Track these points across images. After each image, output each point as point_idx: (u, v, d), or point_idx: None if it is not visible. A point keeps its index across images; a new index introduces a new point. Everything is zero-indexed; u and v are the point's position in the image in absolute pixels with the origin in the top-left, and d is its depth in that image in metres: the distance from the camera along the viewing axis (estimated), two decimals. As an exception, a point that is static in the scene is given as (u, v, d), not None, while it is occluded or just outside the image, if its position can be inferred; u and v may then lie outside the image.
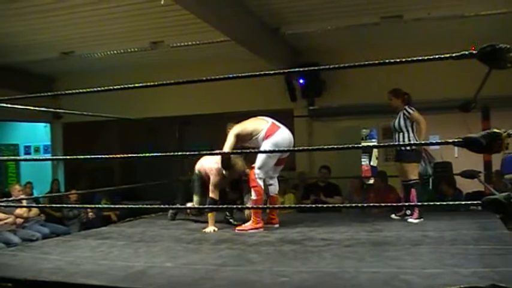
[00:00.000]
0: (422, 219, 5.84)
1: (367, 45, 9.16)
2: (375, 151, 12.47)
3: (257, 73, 5.39)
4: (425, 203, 5.51)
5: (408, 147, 6.05)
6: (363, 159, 12.31)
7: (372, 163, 13.09)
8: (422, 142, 6.16)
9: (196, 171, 6.20)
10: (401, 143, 6.15)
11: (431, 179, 9.42)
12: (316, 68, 4.68)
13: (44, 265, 3.97)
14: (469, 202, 4.07)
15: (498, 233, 4.87)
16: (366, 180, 11.51)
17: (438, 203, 5.72)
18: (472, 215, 6.01)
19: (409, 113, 6.08)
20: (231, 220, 6.11)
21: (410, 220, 5.89)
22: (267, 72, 4.97)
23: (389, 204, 6.60)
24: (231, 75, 5.47)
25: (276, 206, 5.75)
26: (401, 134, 6.13)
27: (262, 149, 5.58)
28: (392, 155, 10.97)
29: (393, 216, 6.21)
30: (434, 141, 6.02)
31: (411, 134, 6.09)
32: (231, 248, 4.60)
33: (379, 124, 10.98)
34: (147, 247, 4.70)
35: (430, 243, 4.47)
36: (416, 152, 6.07)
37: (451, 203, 5.72)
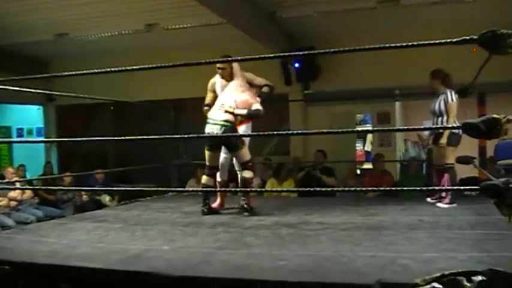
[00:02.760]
0: (454, 205, 5.72)
1: (363, 29, 9.12)
2: (370, 136, 12.49)
3: (253, 57, 5.43)
4: (424, 188, 5.50)
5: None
6: (357, 144, 12.34)
7: (366, 148, 13.12)
8: (421, 127, 6.14)
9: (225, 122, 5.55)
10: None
11: (425, 164, 9.49)
12: (311, 52, 4.75)
13: (40, 248, 3.98)
14: (468, 187, 4.09)
15: (493, 218, 4.90)
16: (360, 165, 11.58)
17: (437, 188, 5.75)
18: (466, 201, 6.03)
19: (447, 101, 5.80)
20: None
21: (439, 205, 5.80)
22: (262, 56, 4.96)
23: (384, 188, 6.56)
24: (226, 59, 5.51)
25: (278, 189, 5.70)
26: (440, 117, 5.86)
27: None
28: (387, 140, 11.11)
29: (428, 199, 6.07)
30: (434, 126, 5.96)
31: (449, 119, 5.78)
32: (227, 231, 4.62)
33: (374, 109, 11.03)
34: (143, 230, 4.70)
35: (426, 228, 4.50)
36: (456, 135, 5.74)
37: (449, 187, 5.69)
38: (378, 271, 2.99)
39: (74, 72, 4.67)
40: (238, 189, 6.12)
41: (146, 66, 4.27)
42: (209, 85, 6.07)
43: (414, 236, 4.09)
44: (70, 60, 10.53)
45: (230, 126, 5.46)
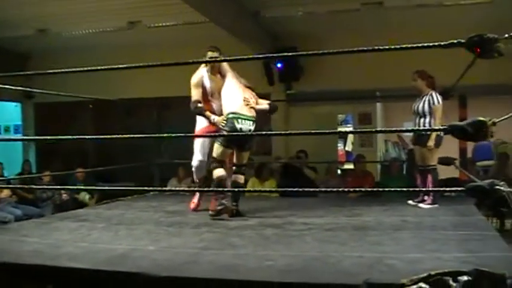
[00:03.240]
0: (436, 206, 5.80)
1: (346, 31, 9.19)
2: (351, 136, 12.58)
3: (236, 57, 5.45)
4: (405, 189, 5.56)
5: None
6: (338, 144, 12.42)
7: (347, 148, 13.22)
8: (404, 129, 6.19)
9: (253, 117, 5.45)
10: (421, 127, 5.97)
11: (405, 165, 9.59)
12: (297, 53, 4.77)
13: (23, 248, 3.93)
14: (453, 189, 4.15)
15: (474, 219, 4.99)
16: (341, 165, 11.66)
17: (423, 189, 5.81)
18: (448, 201, 6.10)
19: (433, 103, 5.86)
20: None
21: (421, 205, 5.86)
22: (245, 56, 5.02)
23: (367, 189, 6.61)
24: (208, 59, 5.49)
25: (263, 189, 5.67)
26: (422, 118, 5.91)
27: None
28: (368, 141, 11.18)
29: (410, 202, 6.08)
30: (421, 128, 6.02)
31: (432, 120, 5.85)
32: (212, 231, 4.61)
33: (355, 110, 11.10)
34: (128, 230, 4.69)
35: (410, 228, 4.55)
36: (439, 137, 5.82)
37: (433, 189, 5.76)
38: (365, 271, 3.02)
39: (54, 70, 4.65)
40: (231, 190, 5.72)
41: (130, 65, 4.28)
42: (196, 80, 5.65)
43: (399, 237, 4.13)
44: (51, 56, 10.46)
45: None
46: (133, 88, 10.27)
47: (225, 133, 5.24)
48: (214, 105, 5.65)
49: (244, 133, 5.25)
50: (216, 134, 5.40)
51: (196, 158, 5.84)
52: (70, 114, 11.75)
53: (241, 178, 5.55)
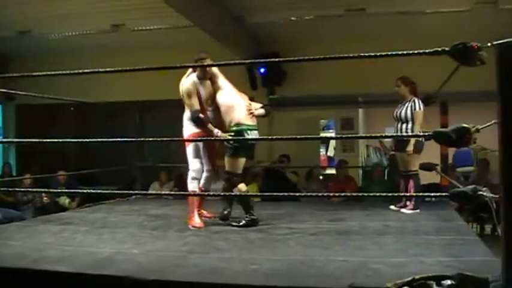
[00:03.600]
0: (418, 211, 5.86)
1: (330, 36, 9.24)
2: (333, 142, 12.65)
3: (219, 63, 5.38)
4: (390, 194, 5.61)
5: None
6: (320, 149, 12.47)
7: (329, 153, 13.27)
8: (389, 135, 6.24)
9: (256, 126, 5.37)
10: (404, 133, 6.04)
11: (387, 170, 9.68)
12: (280, 60, 4.81)
13: (6, 251, 3.90)
14: (437, 194, 4.20)
15: (456, 224, 5.07)
16: (323, 170, 11.70)
17: (407, 194, 5.87)
18: (429, 207, 6.20)
19: (414, 109, 5.97)
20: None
21: (403, 210, 5.93)
22: (228, 62, 5.02)
23: (351, 193, 6.65)
24: (192, 64, 5.46)
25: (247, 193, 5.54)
26: (404, 124, 6.01)
27: None
28: (350, 146, 11.26)
29: (392, 207, 6.15)
30: (406, 134, 6.09)
31: (413, 126, 5.94)
32: (196, 235, 4.63)
33: (338, 115, 11.18)
34: (111, 233, 4.68)
35: (393, 233, 4.61)
36: (420, 143, 5.92)
37: (420, 194, 5.84)
38: (350, 275, 3.05)
39: (36, 73, 4.57)
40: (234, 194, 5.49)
41: (112, 69, 4.20)
42: (191, 87, 5.29)
43: (382, 241, 4.18)
44: (33, 57, 10.36)
45: None
46: (116, 91, 10.20)
47: (229, 143, 5.16)
48: (209, 113, 5.42)
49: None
50: (204, 138, 5.35)
51: (193, 166, 5.39)
52: (52, 117, 11.65)
53: (243, 187, 5.35)
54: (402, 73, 6.37)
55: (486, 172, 9.32)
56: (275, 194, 5.22)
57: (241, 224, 5.06)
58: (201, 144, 5.41)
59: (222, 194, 5.53)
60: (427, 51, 3.08)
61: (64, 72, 4.44)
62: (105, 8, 8.09)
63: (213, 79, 5.39)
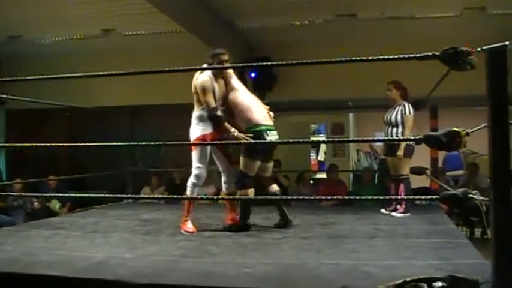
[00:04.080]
0: (408, 214, 5.88)
1: (321, 41, 9.30)
2: (323, 146, 12.71)
3: (209, 66, 5.32)
4: (381, 197, 5.65)
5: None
6: (311, 154, 12.53)
7: (319, 157, 13.33)
8: (381, 139, 6.26)
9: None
10: (394, 137, 6.08)
11: (377, 174, 9.73)
12: (268, 63, 4.85)
13: (-1, 255, 3.90)
14: (428, 197, 4.23)
15: (446, 227, 5.10)
16: (313, 174, 11.76)
17: (399, 197, 5.92)
18: (419, 210, 6.25)
19: (405, 113, 6.01)
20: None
21: (394, 214, 5.95)
22: (217, 66, 5.00)
23: (340, 197, 6.68)
24: (184, 68, 5.43)
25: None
26: (395, 128, 6.04)
27: None
28: (340, 151, 11.33)
29: (383, 211, 6.17)
30: (397, 138, 6.14)
31: (404, 130, 5.98)
32: (188, 239, 4.62)
33: (328, 120, 11.25)
34: (103, 238, 4.66)
35: (384, 236, 4.63)
36: (410, 147, 5.94)
37: (411, 197, 5.88)
38: (342, 278, 3.07)
39: (27, 77, 4.60)
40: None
41: (104, 73, 4.16)
42: (207, 84, 5.02)
43: (373, 244, 4.20)
44: (24, 61, 10.31)
45: None
46: (107, 96, 10.21)
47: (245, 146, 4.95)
48: (221, 113, 5.15)
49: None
50: (210, 142, 5.05)
51: (196, 171, 5.14)
52: (43, 121, 11.62)
53: (275, 186, 5.37)
54: (392, 78, 6.42)
55: (475, 176, 9.42)
56: (268, 197, 5.19)
57: (231, 228, 5.00)
58: (209, 148, 5.13)
59: (215, 197, 5.52)
60: (417, 55, 3.13)
61: (54, 76, 4.41)
62: (96, 13, 8.11)
63: (227, 79, 5.23)
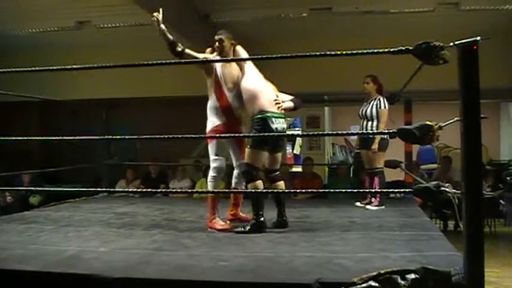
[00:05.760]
0: (383, 207, 5.94)
1: (296, 35, 9.31)
2: (299, 140, 12.75)
3: (183, 60, 5.24)
4: (355, 190, 5.68)
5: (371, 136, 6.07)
6: (286, 148, 12.54)
7: (295, 151, 13.36)
8: (355, 132, 6.31)
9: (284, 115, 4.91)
10: (369, 131, 6.12)
11: (352, 168, 9.79)
12: (244, 58, 4.78)
13: (-30, 250, 3.83)
14: (401, 190, 4.28)
15: (419, 220, 5.15)
16: (289, 168, 11.78)
17: (373, 190, 5.96)
18: (393, 203, 6.31)
19: (380, 107, 6.08)
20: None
21: (368, 207, 6.00)
22: (192, 60, 4.94)
23: (315, 190, 6.70)
24: (159, 62, 5.38)
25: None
26: (370, 122, 6.10)
27: None
28: (316, 144, 11.36)
29: (358, 204, 6.21)
30: (371, 132, 6.18)
31: (379, 124, 6.03)
32: (163, 233, 4.58)
33: (304, 113, 11.27)
34: (77, 231, 4.61)
35: (358, 229, 4.66)
36: (385, 141, 6.00)
37: (384, 190, 5.92)
38: (317, 270, 3.08)
39: (2, 70, 4.51)
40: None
41: (77, 66, 4.13)
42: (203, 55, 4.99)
43: (348, 237, 4.22)
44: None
45: None
46: (82, 89, 10.10)
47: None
48: (229, 98, 4.89)
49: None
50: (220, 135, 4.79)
51: (213, 164, 4.95)
52: (14, 114, 11.45)
53: (281, 184, 4.97)
54: (367, 72, 6.46)
55: (449, 169, 9.54)
56: (243, 191, 5.13)
57: (247, 229, 4.59)
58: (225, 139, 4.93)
59: (227, 190, 5.39)
60: (391, 50, 3.14)
61: (27, 69, 4.32)
62: (70, 5, 7.98)
63: (239, 64, 4.96)
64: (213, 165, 4.93)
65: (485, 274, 2.79)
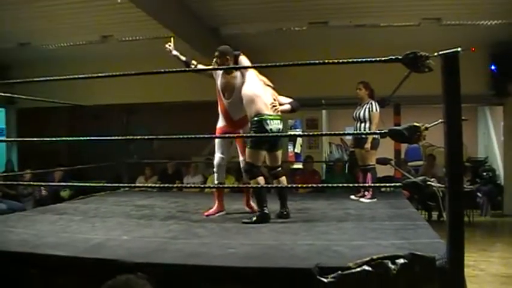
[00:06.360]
0: (375, 200, 5.91)
1: (296, 46, 9.32)
2: (299, 139, 12.74)
3: (191, 69, 5.28)
4: (351, 185, 5.66)
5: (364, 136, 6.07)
6: (288, 147, 12.54)
7: (296, 150, 13.36)
8: (350, 132, 6.30)
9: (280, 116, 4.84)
10: (362, 131, 6.13)
11: (347, 165, 9.77)
12: (250, 66, 4.83)
13: (11, 237, 3.83)
14: (392, 184, 4.27)
15: (407, 211, 5.13)
16: (291, 164, 11.78)
17: (366, 185, 5.94)
18: (384, 196, 6.29)
19: (372, 110, 6.07)
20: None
21: (362, 200, 5.97)
22: (199, 68, 5.04)
23: (314, 185, 6.65)
24: (172, 70, 5.37)
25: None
26: (363, 123, 6.10)
27: None
28: (315, 143, 11.34)
29: (352, 197, 6.17)
30: (364, 132, 6.16)
31: (371, 125, 6.03)
32: (178, 223, 4.57)
33: (304, 116, 11.27)
34: (102, 222, 4.62)
35: (353, 220, 4.64)
36: (376, 140, 6.01)
37: (375, 185, 5.90)
38: (316, 257, 3.07)
39: (35, 79, 4.54)
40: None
41: (98, 74, 4.11)
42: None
43: (343, 227, 4.21)
44: (31, 65, 10.16)
45: None
46: (105, 95, 10.13)
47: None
48: (227, 106, 4.96)
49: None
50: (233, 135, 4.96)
51: (217, 155, 5.12)
52: (48, 119, 11.53)
53: (284, 180, 4.97)
54: (361, 79, 6.45)
55: (433, 166, 9.51)
56: (249, 186, 5.09)
57: (253, 219, 4.55)
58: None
59: (232, 186, 5.46)
60: (383, 58, 3.14)
61: (59, 77, 4.34)
62: (95, 22, 8.07)
63: (242, 72, 4.93)
64: (214, 160, 5.18)
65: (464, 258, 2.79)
